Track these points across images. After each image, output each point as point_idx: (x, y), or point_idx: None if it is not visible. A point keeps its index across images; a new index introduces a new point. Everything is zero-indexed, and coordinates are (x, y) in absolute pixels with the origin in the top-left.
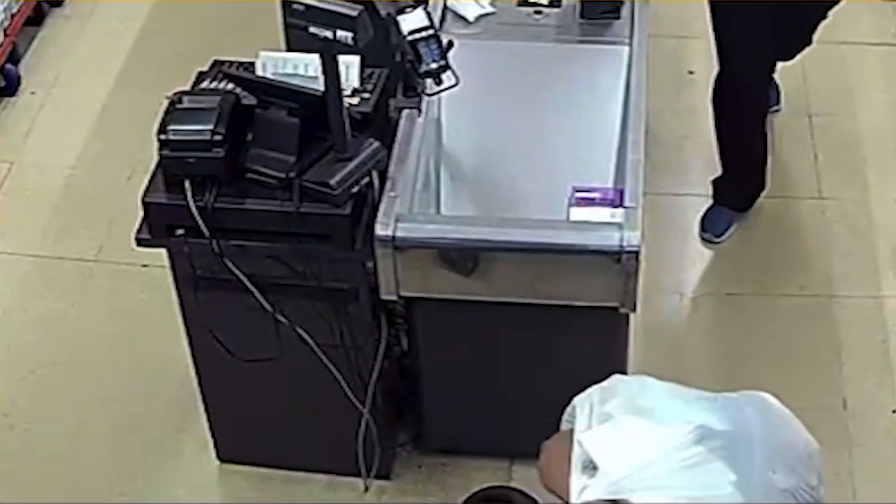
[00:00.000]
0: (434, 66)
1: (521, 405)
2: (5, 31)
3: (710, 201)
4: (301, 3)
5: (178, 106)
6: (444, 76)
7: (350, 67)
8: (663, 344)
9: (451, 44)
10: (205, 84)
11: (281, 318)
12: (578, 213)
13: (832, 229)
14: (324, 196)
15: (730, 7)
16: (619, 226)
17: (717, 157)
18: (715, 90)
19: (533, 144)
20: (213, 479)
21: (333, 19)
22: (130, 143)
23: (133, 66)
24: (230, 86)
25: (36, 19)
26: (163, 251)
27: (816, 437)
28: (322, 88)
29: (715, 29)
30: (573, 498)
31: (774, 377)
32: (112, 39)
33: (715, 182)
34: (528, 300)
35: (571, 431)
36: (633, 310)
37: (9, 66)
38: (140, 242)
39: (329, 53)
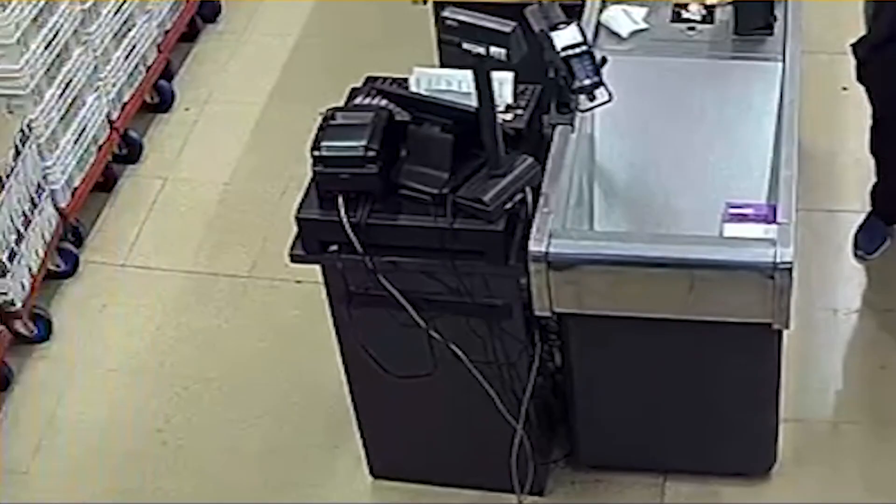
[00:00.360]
0: (587, 82)
1: (674, 421)
2: (159, 47)
3: (863, 217)
4: (455, 20)
5: (332, 122)
6: (597, 92)
7: (503, 84)
8: (816, 361)
9: (604, 60)
10: (358, 100)
11: (434, 335)
12: (732, 230)
13: None
14: (478, 212)
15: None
16: (773, 242)
17: (872, 165)
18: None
19: (686, 160)
20: (367, 495)
21: (487, 35)
22: (284, 159)
23: (286, 82)
24: (384, 102)
25: (190, 35)
26: (316, 267)
27: None
28: (476, 104)
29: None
30: None
31: None
32: (266, 55)
33: (871, 191)
34: (680, 316)
35: None
36: (786, 326)
37: (162, 82)
38: (294, 259)
39: (483, 70)
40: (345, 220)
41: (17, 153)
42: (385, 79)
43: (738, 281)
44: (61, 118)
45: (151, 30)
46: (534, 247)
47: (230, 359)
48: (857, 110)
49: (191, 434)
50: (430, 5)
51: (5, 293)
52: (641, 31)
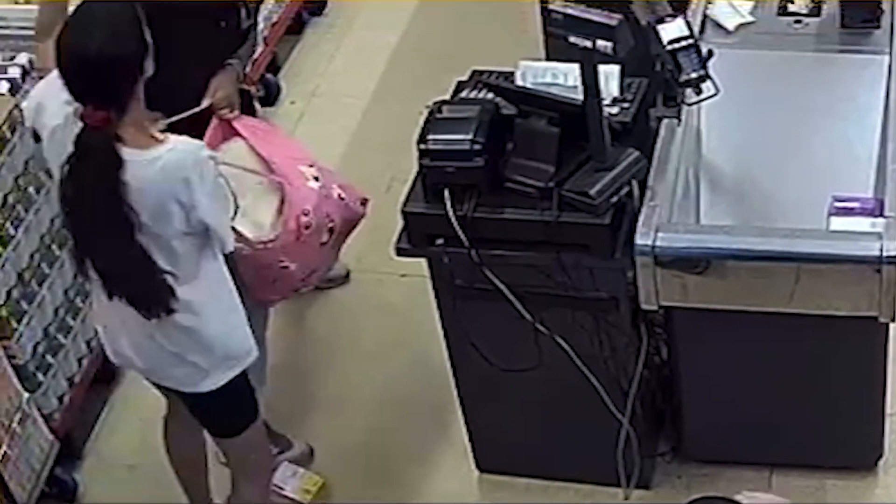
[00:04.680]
0: (694, 75)
1: (781, 414)
2: (265, 40)
3: None
4: (561, 13)
5: (438, 115)
6: (703, 86)
7: (610, 77)
8: None
9: (710, 53)
10: (464, 93)
11: (540, 328)
12: (838, 223)
13: None
14: (584, 206)
15: None
16: (879, 235)
17: None
18: None
19: (792, 153)
20: (473, 488)
21: (593, 29)
22: (389, 153)
23: (392, 75)
24: (490, 95)
25: (296, 28)
26: (422, 261)
27: None
28: (582, 98)
29: None
30: None
31: None
32: (372, 48)
33: None
34: (786, 310)
35: None
36: (893, 319)
37: (268, 75)
38: (400, 252)
39: (589, 63)
40: (451, 213)
41: None
42: (491, 72)
43: (845, 274)
44: None
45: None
46: (640, 240)
47: (336, 353)
48: None
49: (294, 418)
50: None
51: None
52: (748, 24)
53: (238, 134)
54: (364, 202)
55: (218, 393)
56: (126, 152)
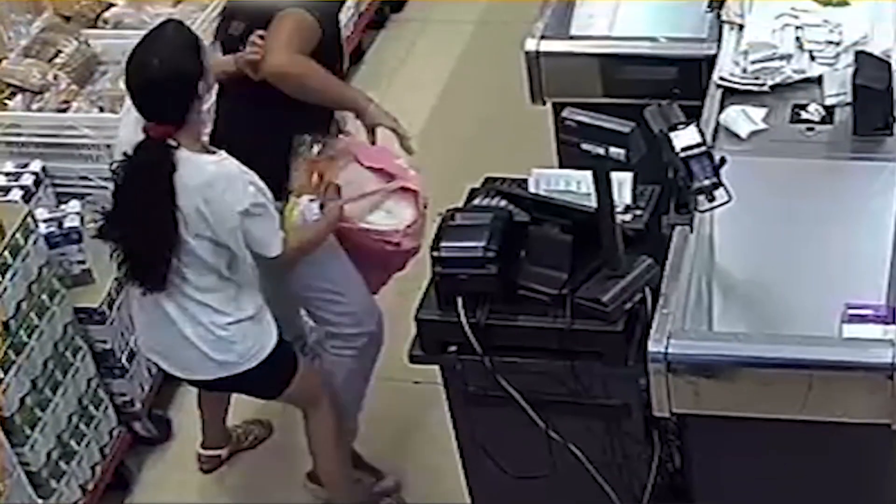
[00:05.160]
0: (706, 182)
1: None
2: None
3: None
4: (574, 120)
5: (451, 223)
6: (716, 193)
7: (623, 184)
8: None
9: (723, 160)
10: (477, 201)
11: (553, 435)
12: (851, 330)
13: None
14: (597, 313)
15: None
16: (892, 343)
17: None
18: None
19: (805, 261)
20: None
21: (606, 136)
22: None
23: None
24: (503, 202)
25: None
26: (435, 367)
27: None
28: (595, 205)
29: None
30: None
31: None
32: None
33: None
34: (799, 417)
35: None
36: None
37: None
38: (413, 359)
39: (602, 170)
40: (464, 320)
41: None
42: (504, 179)
43: (858, 382)
44: None
45: None
46: (653, 347)
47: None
48: None
49: None
50: (549, 106)
51: (124, 394)
52: (760, 131)
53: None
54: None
55: (247, 373)
56: (180, 154)
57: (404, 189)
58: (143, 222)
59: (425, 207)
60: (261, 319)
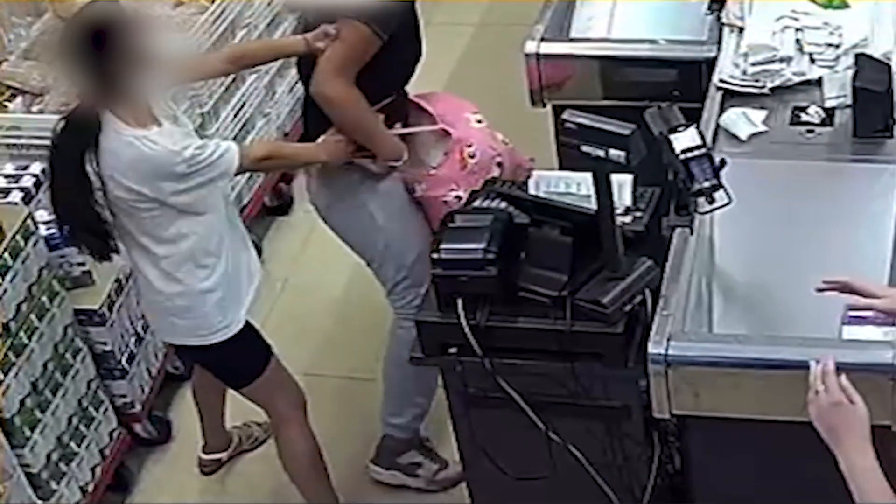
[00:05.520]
0: (706, 184)
1: None
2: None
3: None
4: (574, 122)
5: (451, 224)
6: (716, 195)
7: (623, 186)
8: None
9: (723, 162)
10: (477, 202)
11: (553, 437)
12: (851, 332)
13: None
14: (596, 315)
15: None
16: (892, 344)
17: None
18: None
19: (805, 262)
20: None
21: (606, 138)
22: None
23: None
24: (503, 204)
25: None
26: (435, 369)
27: None
28: (595, 207)
29: None
30: None
31: None
32: None
33: None
34: (800, 418)
35: None
36: None
37: (282, 184)
38: (413, 360)
39: (602, 172)
40: (464, 322)
41: None
42: (504, 181)
43: (858, 383)
44: None
45: (270, 133)
46: (653, 349)
47: (347, 449)
48: None
49: None
50: (549, 108)
51: (124, 396)
52: (760, 133)
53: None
54: (532, 159)
55: (211, 349)
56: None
57: (445, 132)
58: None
59: (472, 158)
60: (228, 292)
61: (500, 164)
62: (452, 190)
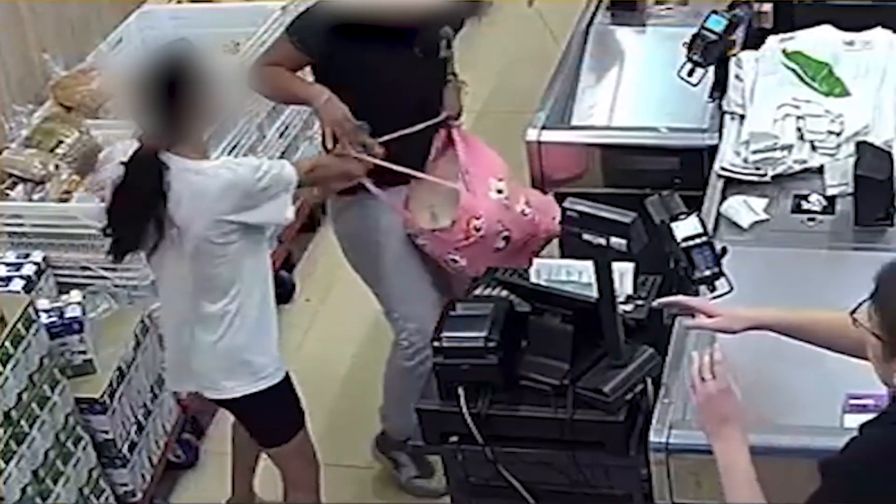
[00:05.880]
0: (708, 272)
1: None
2: (280, 238)
3: None
4: (575, 210)
5: (452, 313)
6: (718, 283)
7: (624, 274)
8: None
9: (724, 250)
10: (479, 291)
11: None
12: (852, 420)
13: None
14: (598, 403)
15: None
16: None
17: None
18: None
19: (807, 350)
20: None
21: (607, 226)
22: None
23: None
24: (504, 292)
25: (310, 226)
26: (437, 458)
27: None
28: (596, 295)
29: None
30: None
31: None
32: None
33: None
34: None
35: None
36: None
37: (283, 272)
38: (413, 448)
39: (603, 260)
40: (465, 410)
41: (138, 344)
42: (506, 269)
43: None
44: None
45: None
46: (654, 437)
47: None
48: None
49: None
50: (550, 196)
51: (125, 484)
52: (762, 221)
53: (453, 144)
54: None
55: (248, 401)
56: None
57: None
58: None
59: (477, 231)
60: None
61: (506, 238)
62: (450, 254)
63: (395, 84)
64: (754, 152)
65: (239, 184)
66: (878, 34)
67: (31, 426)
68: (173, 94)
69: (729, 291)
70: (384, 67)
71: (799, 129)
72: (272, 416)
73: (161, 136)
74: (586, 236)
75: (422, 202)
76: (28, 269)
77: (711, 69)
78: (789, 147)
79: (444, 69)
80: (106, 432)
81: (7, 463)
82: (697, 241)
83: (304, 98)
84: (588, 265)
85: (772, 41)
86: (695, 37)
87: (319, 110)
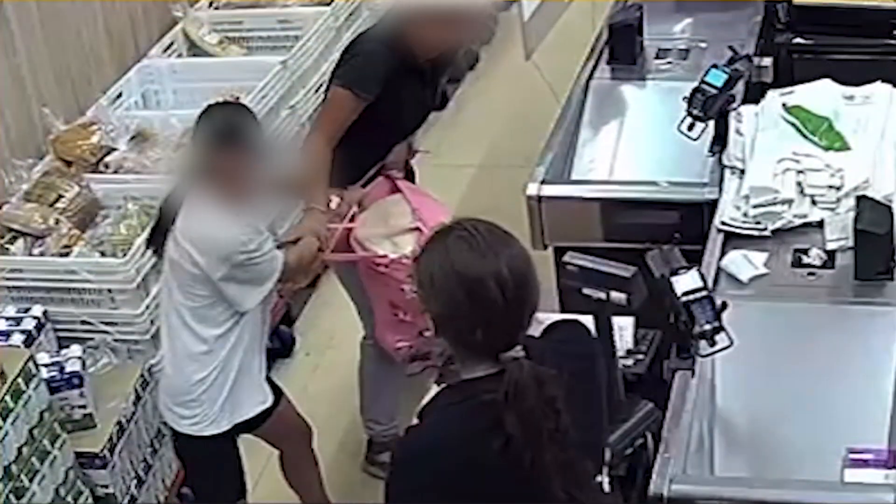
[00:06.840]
0: (707, 327)
1: None
2: (280, 293)
3: None
4: (575, 265)
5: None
6: (717, 337)
7: (624, 329)
8: None
9: (724, 305)
10: None
11: None
12: (852, 475)
13: None
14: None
15: None
16: (893, 487)
17: None
18: None
19: (806, 405)
20: None
21: (607, 280)
22: None
23: None
24: None
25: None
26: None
27: None
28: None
29: None
30: None
31: None
32: None
33: None
34: None
35: None
36: None
37: (283, 327)
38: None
39: (603, 315)
40: None
41: (138, 398)
42: None
43: None
44: None
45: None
46: (654, 490)
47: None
48: None
49: None
50: (550, 250)
51: None
52: (762, 276)
53: (399, 190)
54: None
55: (186, 443)
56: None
57: (420, 231)
58: None
59: None
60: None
61: None
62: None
63: (407, 119)
64: (754, 206)
65: (220, 242)
66: (878, 88)
67: (31, 480)
68: (227, 145)
69: (729, 346)
70: (408, 100)
71: (799, 184)
72: (206, 469)
73: (203, 182)
74: (586, 290)
75: (375, 226)
76: (28, 324)
77: (711, 123)
78: (789, 201)
79: (429, 112)
80: (106, 486)
81: None
82: (697, 295)
83: (311, 195)
84: (588, 320)
85: (772, 95)
86: (695, 91)
87: (310, 214)
